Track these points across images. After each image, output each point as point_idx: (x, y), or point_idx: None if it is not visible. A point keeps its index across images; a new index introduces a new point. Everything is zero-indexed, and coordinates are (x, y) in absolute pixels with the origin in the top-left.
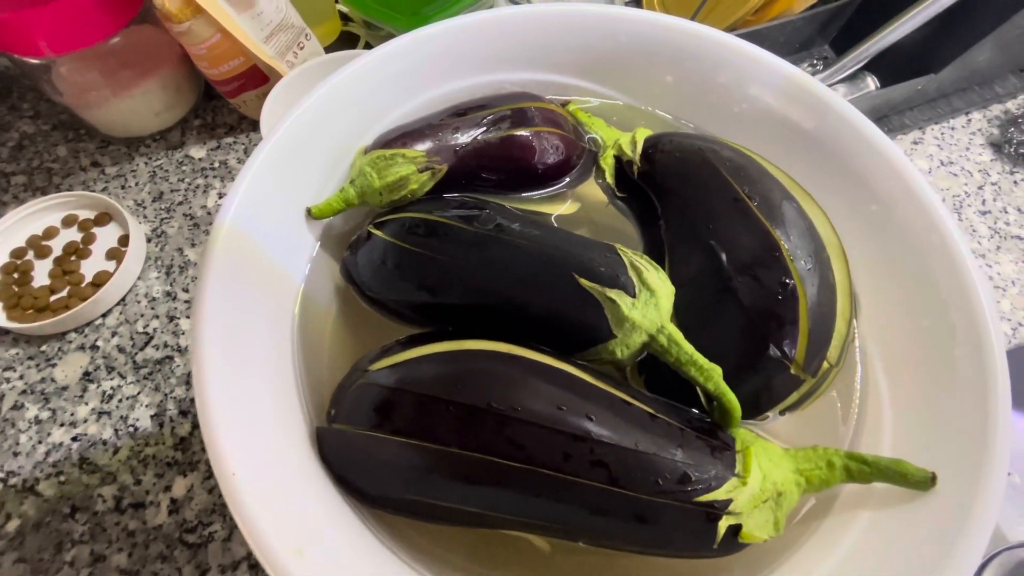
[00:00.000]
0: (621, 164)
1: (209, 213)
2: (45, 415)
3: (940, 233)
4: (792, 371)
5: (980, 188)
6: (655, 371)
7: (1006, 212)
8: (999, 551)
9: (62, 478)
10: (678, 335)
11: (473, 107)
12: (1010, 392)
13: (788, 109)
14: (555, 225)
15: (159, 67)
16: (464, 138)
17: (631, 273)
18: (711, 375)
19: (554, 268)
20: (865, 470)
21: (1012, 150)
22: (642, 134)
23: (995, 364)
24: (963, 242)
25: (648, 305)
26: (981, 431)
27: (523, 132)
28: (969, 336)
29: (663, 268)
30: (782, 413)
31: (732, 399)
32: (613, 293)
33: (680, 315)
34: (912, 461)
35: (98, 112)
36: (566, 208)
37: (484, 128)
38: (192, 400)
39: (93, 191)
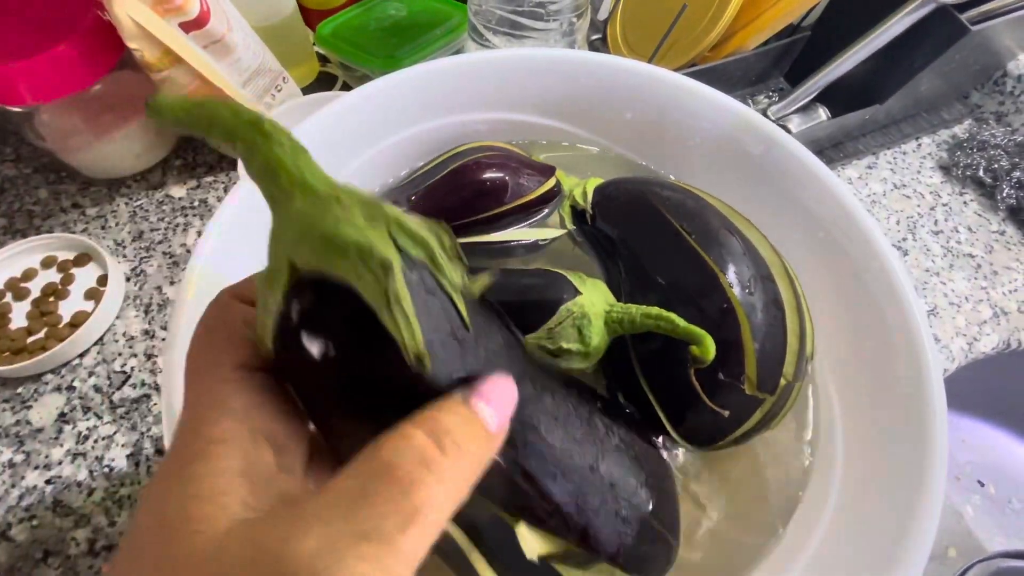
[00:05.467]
0: (576, 212)
1: (188, 251)
2: (19, 458)
3: (880, 259)
4: (748, 391)
5: (932, 209)
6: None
7: (957, 231)
8: (976, 562)
9: (35, 522)
10: (625, 304)
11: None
12: (946, 405)
13: (737, 143)
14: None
15: (140, 111)
16: (415, 188)
17: (574, 281)
18: (670, 319)
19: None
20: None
21: (960, 172)
22: (592, 183)
23: (931, 379)
24: (900, 267)
25: (594, 292)
26: (921, 440)
27: (465, 160)
28: (909, 355)
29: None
30: (756, 433)
31: (696, 330)
32: (558, 328)
33: (640, 349)
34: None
35: (80, 155)
36: (551, 232)
37: (431, 176)
38: None
39: (73, 232)
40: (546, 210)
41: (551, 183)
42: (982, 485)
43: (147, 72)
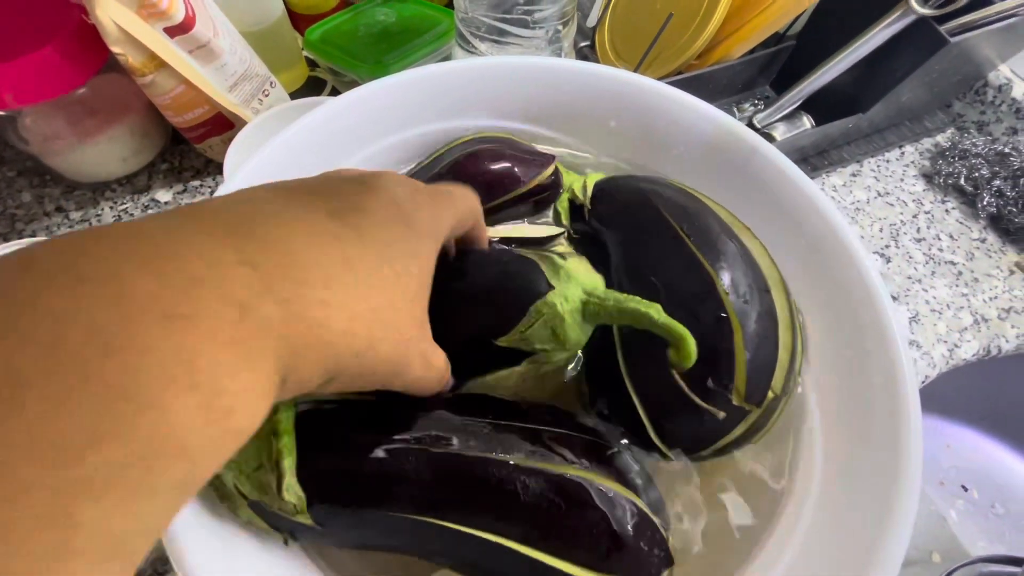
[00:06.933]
0: (574, 207)
1: None
2: None
3: (857, 267)
4: (735, 402)
5: (915, 217)
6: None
7: (939, 239)
8: (958, 566)
9: None
10: (607, 292)
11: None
12: (920, 414)
13: (719, 151)
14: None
15: (126, 114)
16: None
17: (546, 271)
18: (648, 315)
19: (474, 333)
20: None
21: (942, 180)
22: (593, 179)
23: (906, 388)
24: (877, 277)
25: (569, 284)
26: (895, 450)
27: (464, 153)
28: (883, 363)
29: None
30: (738, 446)
31: (676, 329)
32: (529, 331)
33: (631, 352)
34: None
35: (64, 159)
36: (549, 230)
37: (430, 170)
38: None
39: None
40: (545, 201)
41: (549, 171)
42: (966, 490)
43: (132, 76)
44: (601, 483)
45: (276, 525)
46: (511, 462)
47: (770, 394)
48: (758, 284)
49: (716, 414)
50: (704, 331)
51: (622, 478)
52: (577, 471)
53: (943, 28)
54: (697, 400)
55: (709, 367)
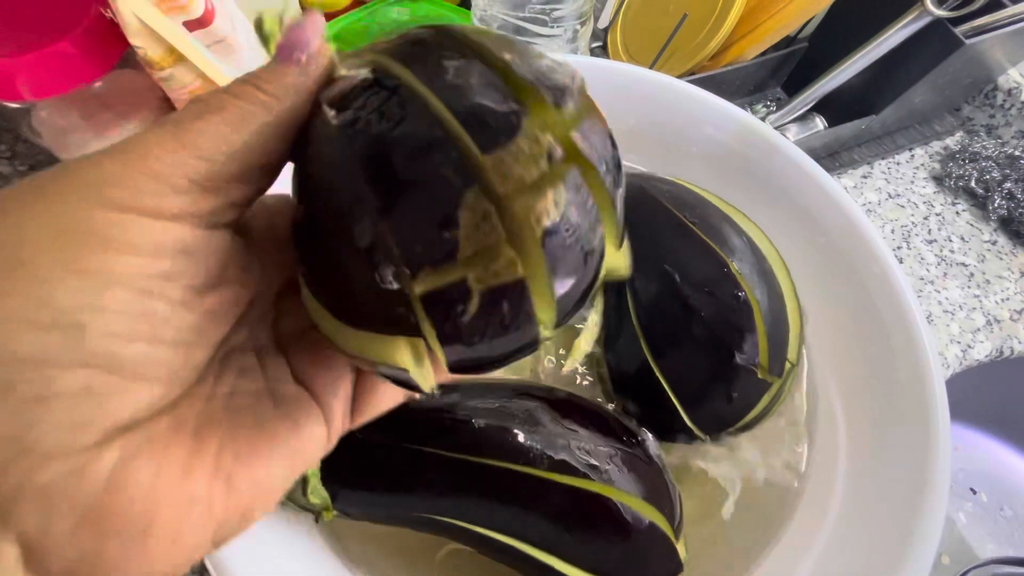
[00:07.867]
0: None
1: None
2: None
3: (880, 264)
4: (759, 375)
5: (925, 219)
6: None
7: (950, 240)
8: (970, 568)
9: None
10: None
11: None
12: (948, 409)
13: (738, 150)
14: None
15: (141, 109)
16: None
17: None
18: None
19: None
20: None
21: (952, 183)
22: None
23: (933, 385)
24: (900, 272)
25: None
26: (924, 446)
27: None
28: (909, 360)
29: (626, 298)
30: (761, 420)
31: None
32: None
33: (652, 337)
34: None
35: (78, 153)
36: None
37: None
38: None
39: None
40: None
41: None
42: (974, 492)
43: (149, 70)
44: (618, 497)
45: (305, 507)
46: (532, 474)
47: (787, 365)
48: (762, 264)
49: (744, 389)
50: (725, 311)
51: (639, 487)
52: (596, 485)
53: (957, 30)
54: (725, 378)
55: (737, 343)
